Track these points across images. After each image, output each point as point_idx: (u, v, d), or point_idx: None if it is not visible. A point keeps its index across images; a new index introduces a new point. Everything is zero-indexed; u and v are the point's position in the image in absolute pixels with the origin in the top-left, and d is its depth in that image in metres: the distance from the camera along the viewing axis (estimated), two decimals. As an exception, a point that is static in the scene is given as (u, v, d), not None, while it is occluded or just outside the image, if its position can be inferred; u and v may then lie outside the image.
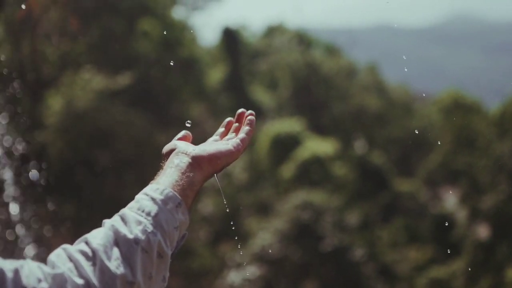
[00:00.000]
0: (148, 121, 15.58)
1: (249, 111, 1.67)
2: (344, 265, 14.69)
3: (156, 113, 16.26)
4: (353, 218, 16.26)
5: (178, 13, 20.81)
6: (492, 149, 17.39)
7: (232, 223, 16.20)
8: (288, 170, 17.48)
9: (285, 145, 18.24)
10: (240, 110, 1.68)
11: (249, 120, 1.63)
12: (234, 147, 1.53)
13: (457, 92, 23.07)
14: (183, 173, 1.41)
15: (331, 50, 28.62)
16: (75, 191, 14.42)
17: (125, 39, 17.11)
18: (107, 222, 1.31)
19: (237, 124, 1.66)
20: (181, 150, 1.48)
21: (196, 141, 1.59)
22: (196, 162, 1.44)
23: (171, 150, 1.50)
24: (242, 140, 1.57)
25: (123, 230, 1.27)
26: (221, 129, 1.66)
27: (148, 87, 16.75)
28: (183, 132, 1.61)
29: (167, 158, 1.49)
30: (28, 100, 14.29)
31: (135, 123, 15.19)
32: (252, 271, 14.17)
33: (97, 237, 1.27)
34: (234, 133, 1.63)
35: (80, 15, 16.15)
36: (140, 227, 1.28)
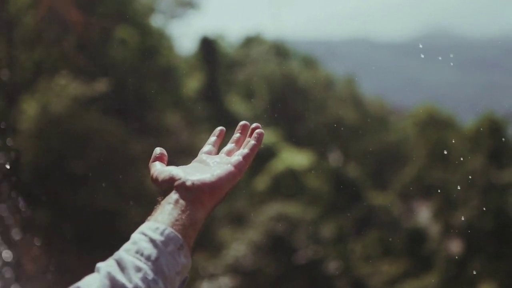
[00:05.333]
0: (123, 129, 15.48)
1: (255, 124, 1.47)
2: (318, 278, 14.67)
3: (132, 121, 16.16)
4: (327, 230, 16.26)
5: (156, 21, 20.75)
6: (465, 164, 17.51)
7: (205, 234, 16.12)
8: (263, 181, 17.46)
9: (260, 156, 18.22)
10: (242, 123, 1.50)
11: (257, 134, 1.44)
12: (236, 167, 1.35)
13: (432, 106, 23.23)
14: (183, 211, 1.25)
15: (309, 62, 28.70)
16: (48, 197, 14.27)
17: (102, 46, 17.02)
18: (101, 268, 1.15)
19: (238, 135, 1.49)
20: (180, 182, 1.29)
21: (172, 150, 1.45)
22: (197, 198, 1.28)
23: (167, 180, 1.32)
24: (245, 156, 1.38)
25: (121, 278, 1.12)
26: (213, 138, 1.50)
27: (124, 94, 16.65)
28: (157, 151, 1.43)
29: (163, 188, 1.32)
30: (2, 105, 14.16)
31: (110, 130, 15.09)
32: (225, 282, 14.12)
33: (92, 286, 1.11)
34: (235, 144, 1.46)
35: (58, 20, 16.04)
36: (140, 275, 1.13)
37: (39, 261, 10.96)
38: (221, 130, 1.53)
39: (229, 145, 1.47)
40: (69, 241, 12.96)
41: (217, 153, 1.47)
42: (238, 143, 1.48)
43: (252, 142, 1.43)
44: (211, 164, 1.40)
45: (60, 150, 14.79)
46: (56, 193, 14.43)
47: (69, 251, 12.50)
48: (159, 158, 1.42)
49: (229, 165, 1.35)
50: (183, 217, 1.25)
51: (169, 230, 1.21)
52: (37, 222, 13.17)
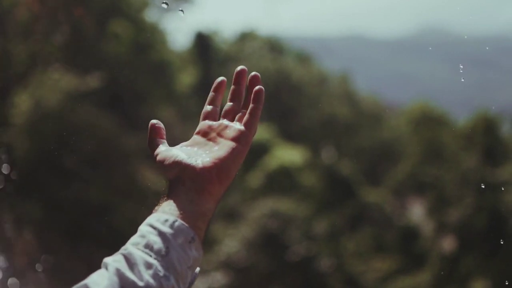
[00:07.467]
0: (116, 123, 15.42)
1: (253, 73, 1.33)
2: (311, 275, 14.65)
3: (125, 115, 16.10)
4: (320, 227, 16.23)
5: (150, 15, 20.68)
6: (459, 162, 17.50)
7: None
8: (256, 178, 17.42)
9: (254, 152, 18.18)
10: (239, 68, 1.36)
11: (256, 93, 1.32)
12: (238, 141, 1.26)
13: (426, 103, 23.23)
14: (192, 202, 1.18)
15: (303, 58, 28.66)
16: (41, 192, 14.20)
17: (96, 40, 16.95)
18: (109, 264, 1.07)
19: (234, 87, 1.36)
20: (187, 171, 1.21)
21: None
22: (205, 187, 1.21)
23: (172, 166, 1.24)
24: (246, 124, 1.29)
25: (131, 275, 1.05)
26: (212, 95, 1.39)
27: (118, 89, 16.59)
28: (154, 122, 1.37)
29: (169, 176, 1.24)
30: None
31: (103, 125, 15.03)
32: (217, 278, 14.08)
33: (100, 284, 1.04)
34: (233, 103, 1.35)
35: (51, 14, 15.96)
36: (151, 271, 1.07)
37: (31, 256, 10.91)
38: (221, 82, 1.40)
39: (228, 105, 1.36)
40: (61, 236, 12.90)
41: (219, 112, 1.37)
42: (233, 95, 1.37)
43: (251, 105, 1.33)
44: (213, 137, 1.31)
45: (53, 145, 14.72)
46: (48, 187, 14.37)
47: (61, 245, 12.44)
48: (157, 131, 1.36)
49: (231, 141, 1.26)
50: (192, 208, 1.18)
51: (179, 222, 1.15)
52: (29, 217, 13.11)
